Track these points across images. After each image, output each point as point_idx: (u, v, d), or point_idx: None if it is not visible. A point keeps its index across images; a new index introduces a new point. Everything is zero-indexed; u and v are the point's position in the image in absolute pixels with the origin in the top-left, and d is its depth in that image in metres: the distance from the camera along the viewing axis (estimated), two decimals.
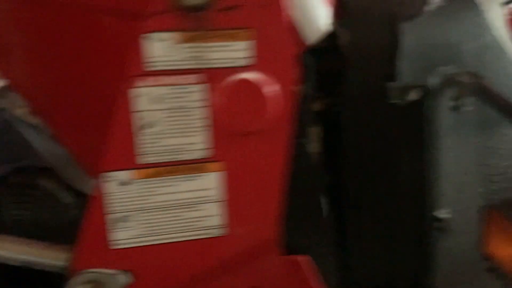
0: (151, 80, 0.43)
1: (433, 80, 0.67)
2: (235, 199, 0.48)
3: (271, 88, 0.44)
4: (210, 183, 0.47)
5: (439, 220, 0.66)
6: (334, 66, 0.79)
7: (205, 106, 0.44)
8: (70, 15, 0.46)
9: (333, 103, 0.79)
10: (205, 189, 0.47)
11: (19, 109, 0.63)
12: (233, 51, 0.44)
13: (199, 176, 0.46)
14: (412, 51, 0.72)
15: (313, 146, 0.53)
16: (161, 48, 0.43)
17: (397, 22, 0.73)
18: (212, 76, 0.44)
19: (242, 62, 0.44)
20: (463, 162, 0.65)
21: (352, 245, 0.69)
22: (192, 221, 0.48)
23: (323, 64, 0.81)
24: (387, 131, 0.72)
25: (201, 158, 0.46)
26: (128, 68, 0.43)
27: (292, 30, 0.47)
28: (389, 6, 0.74)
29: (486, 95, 0.59)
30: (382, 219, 0.70)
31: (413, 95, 0.69)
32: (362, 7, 0.74)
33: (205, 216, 0.48)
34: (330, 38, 0.76)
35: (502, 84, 0.74)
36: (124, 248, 0.47)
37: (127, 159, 0.45)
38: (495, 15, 0.77)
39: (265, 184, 0.48)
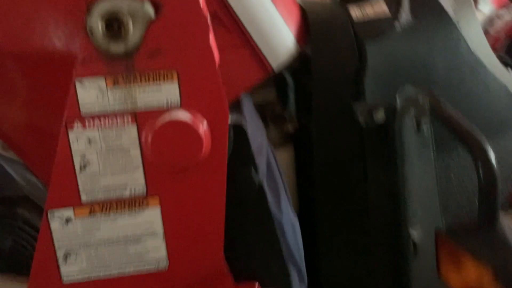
0: (86, 122, 0.45)
1: (397, 100, 0.67)
2: (178, 232, 0.49)
3: (201, 126, 0.46)
4: (152, 217, 0.48)
5: (410, 238, 0.66)
6: (307, 86, 0.79)
7: (140, 146, 0.46)
8: (20, 64, 0.49)
9: (306, 122, 0.80)
10: (147, 224, 0.49)
11: None
12: (162, 92, 0.45)
13: (140, 211, 0.48)
14: (379, 71, 0.72)
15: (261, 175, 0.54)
16: (93, 92, 0.45)
17: (362, 42, 0.73)
18: (144, 116, 0.46)
19: (172, 102, 0.46)
20: (425, 182, 0.64)
21: (324, 263, 0.70)
22: (137, 255, 0.49)
23: (298, 84, 0.82)
24: (356, 150, 0.72)
25: (140, 195, 0.48)
26: (66, 110, 0.45)
27: (215, 67, 0.47)
28: (354, 27, 0.74)
29: (440, 116, 0.58)
30: (355, 236, 0.70)
31: (379, 115, 0.69)
32: (326, 28, 0.75)
33: (150, 249, 0.49)
34: (303, 58, 0.77)
35: (480, 97, 0.72)
36: (73, 281, 0.49)
37: (70, 197, 0.47)
38: (472, 28, 0.75)
39: (205, 216, 0.49)
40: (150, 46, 0.44)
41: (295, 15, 0.75)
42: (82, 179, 0.47)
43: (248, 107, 0.75)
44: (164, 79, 0.45)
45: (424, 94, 0.61)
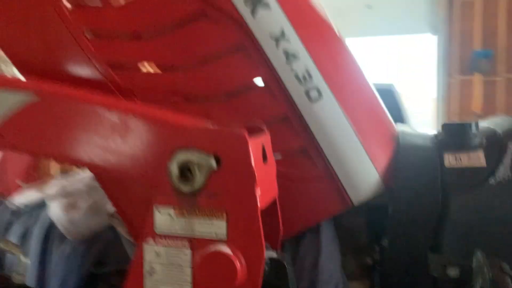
0: (155, 239, 0.58)
1: (474, 261, 0.65)
2: None
3: (238, 260, 0.54)
4: None
5: None
6: (386, 223, 0.81)
7: (191, 266, 0.56)
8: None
9: (380, 259, 0.80)
10: None
11: (122, 228, 0.85)
12: (213, 227, 0.55)
13: None
14: (462, 224, 0.70)
15: None
16: (165, 217, 0.57)
17: (450, 191, 0.72)
18: (198, 243, 0.56)
19: (219, 236, 0.55)
20: None
21: None
22: None
23: (376, 220, 0.84)
24: None
25: None
26: (145, 227, 0.59)
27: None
28: (443, 174, 0.74)
29: None
30: None
31: (453, 272, 0.67)
32: (413, 171, 0.76)
33: None
34: (383, 197, 0.79)
35: None
36: None
37: None
38: None
39: None
40: (209, 190, 0.55)
41: (384, 152, 0.78)
42: (147, 283, 0.58)
43: (326, 233, 0.79)
44: (216, 217, 0.55)
45: (490, 266, 0.58)
